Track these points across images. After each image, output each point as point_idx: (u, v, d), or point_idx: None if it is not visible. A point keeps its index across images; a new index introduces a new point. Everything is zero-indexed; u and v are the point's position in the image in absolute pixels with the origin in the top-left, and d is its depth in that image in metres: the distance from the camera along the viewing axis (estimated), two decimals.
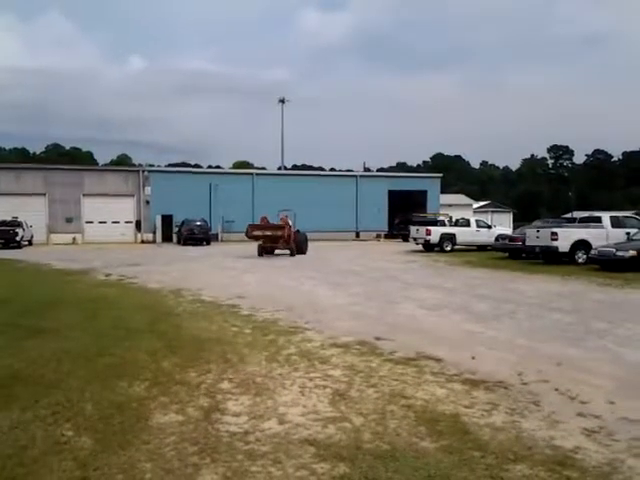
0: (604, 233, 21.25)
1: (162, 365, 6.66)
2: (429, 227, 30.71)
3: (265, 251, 25.96)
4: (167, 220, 40.91)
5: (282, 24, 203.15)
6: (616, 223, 22.09)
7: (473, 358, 7.08)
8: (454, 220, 34.01)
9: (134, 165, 73.21)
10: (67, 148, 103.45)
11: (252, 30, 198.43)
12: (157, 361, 6.81)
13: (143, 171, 43.97)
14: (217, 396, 5.55)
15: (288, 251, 26.05)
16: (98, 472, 3.89)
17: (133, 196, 42.28)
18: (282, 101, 64.49)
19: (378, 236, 45.89)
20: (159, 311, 10.64)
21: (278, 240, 26.02)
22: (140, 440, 4.44)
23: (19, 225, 34.20)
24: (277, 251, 26.35)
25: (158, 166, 52.13)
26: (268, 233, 26.51)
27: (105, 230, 40.94)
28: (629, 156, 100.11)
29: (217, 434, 4.58)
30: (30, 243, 35.55)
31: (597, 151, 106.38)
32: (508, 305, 11.57)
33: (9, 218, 34.86)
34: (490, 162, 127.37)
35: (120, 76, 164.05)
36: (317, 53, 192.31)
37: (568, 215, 42.36)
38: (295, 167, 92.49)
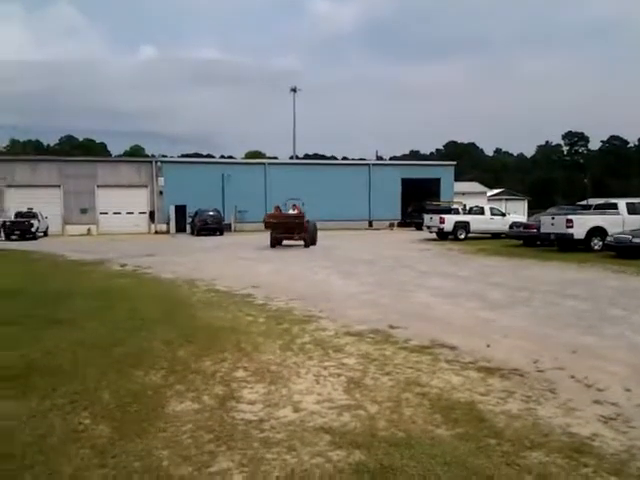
0: (620, 220, 21.01)
1: (178, 354, 6.70)
2: (443, 215, 30.53)
3: (278, 242, 25.35)
4: (181, 210, 41.04)
5: (291, 12, 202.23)
6: (632, 210, 21.80)
7: (488, 346, 7.05)
8: (468, 208, 33.80)
9: (147, 156, 73.49)
10: (80, 140, 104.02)
11: (262, 18, 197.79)
12: (173, 350, 6.86)
13: (156, 162, 44.18)
14: (232, 384, 5.58)
15: (301, 242, 25.28)
16: (116, 459, 3.93)
17: (147, 187, 42.49)
18: (294, 90, 64.43)
19: (391, 225, 45.75)
20: (174, 301, 10.70)
21: (294, 230, 25.13)
22: (156, 428, 4.48)
23: (34, 216, 34.55)
24: (289, 242, 25.50)
25: (171, 157, 52.22)
26: (285, 222, 25.63)
27: (119, 221, 41.25)
28: None
29: (232, 422, 4.61)
30: (45, 234, 35.89)
31: (613, 137, 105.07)
32: (523, 293, 11.50)
33: (25, 210, 35.22)
34: (504, 149, 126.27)
35: (131, 66, 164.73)
36: (327, 41, 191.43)
37: (583, 202, 41.92)
38: (307, 156, 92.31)
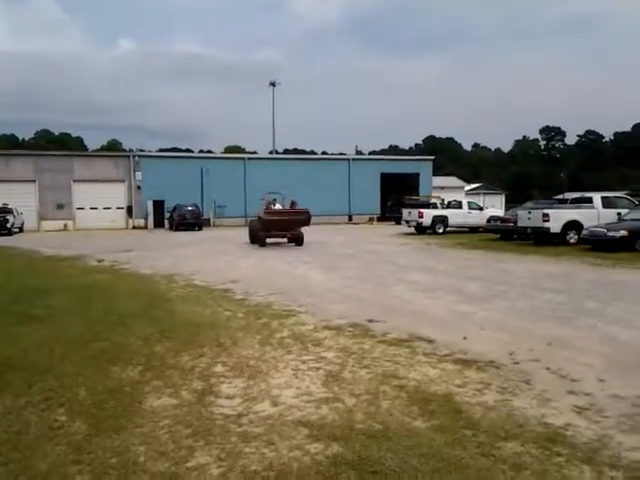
0: (595, 213, 21.33)
1: (155, 350, 6.66)
2: (421, 210, 30.78)
3: (259, 240, 22.58)
4: (159, 205, 40.75)
5: (273, 6, 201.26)
6: (607, 203, 22.17)
7: (465, 338, 7.13)
8: (446, 202, 34.08)
9: (124, 150, 72.69)
10: (56, 134, 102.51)
11: (242, 12, 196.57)
12: (150, 346, 6.81)
13: (134, 156, 43.71)
14: (211, 379, 5.56)
15: (288, 240, 23.20)
16: (92, 456, 3.90)
17: (124, 182, 42.05)
18: (273, 84, 64.00)
19: (371, 219, 45.95)
20: (152, 296, 10.62)
21: (291, 228, 22.66)
22: (133, 424, 4.45)
23: (10, 212, 34.00)
24: (275, 240, 23.15)
25: (149, 151, 51.82)
26: (286, 219, 22.79)
27: (96, 216, 40.78)
28: (620, 136, 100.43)
29: (211, 417, 4.60)
30: (21, 230, 35.36)
31: (589, 132, 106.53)
32: (500, 286, 11.62)
33: None
34: (482, 144, 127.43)
35: (109, 60, 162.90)
36: (308, 35, 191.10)
37: (560, 196, 42.46)
38: (287, 151, 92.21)
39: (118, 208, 41.92)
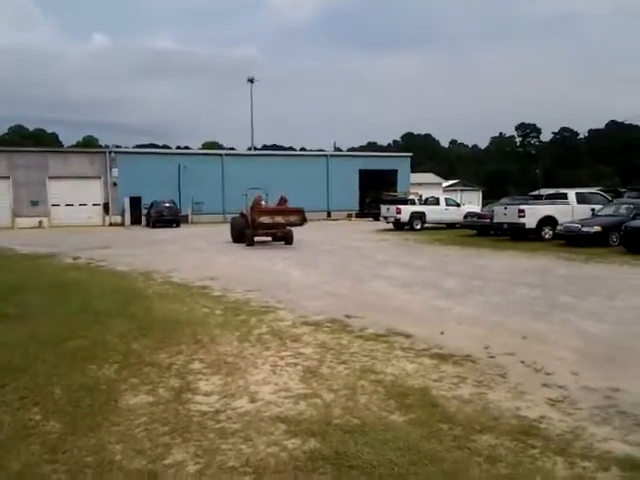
0: (570, 209, 21.66)
1: (132, 347, 6.61)
2: (399, 206, 30.98)
3: (247, 239, 20.96)
4: (135, 202, 40.30)
5: (250, 1, 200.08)
6: (581, 199, 22.54)
7: (442, 333, 7.20)
8: (424, 199, 34.31)
9: (100, 146, 71.69)
10: (31, 129, 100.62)
11: (219, 8, 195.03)
12: (127, 343, 6.76)
13: (110, 152, 43.12)
14: (188, 377, 5.54)
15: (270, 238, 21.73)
16: (67, 455, 3.87)
17: (100, 178, 41.49)
18: (251, 80, 63.61)
19: (349, 215, 46.00)
20: (129, 294, 10.53)
21: (283, 227, 21.09)
22: (110, 422, 4.42)
23: None
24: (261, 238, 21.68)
25: (125, 147, 51.17)
26: (280, 220, 20.91)
27: (72, 213, 40.18)
28: (594, 134, 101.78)
29: (188, 414, 4.59)
30: None
31: (564, 129, 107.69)
32: (476, 281, 11.75)
33: None
34: (459, 141, 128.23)
35: (85, 55, 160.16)
36: (285, 32, 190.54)
37: (535, 192, 42.94)
38: (265, 147, 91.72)
39: (94, 205, 41.36)
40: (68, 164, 40.99)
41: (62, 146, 78.63)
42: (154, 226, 35.56)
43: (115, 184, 41.36)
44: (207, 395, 5.03)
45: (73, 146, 78.12)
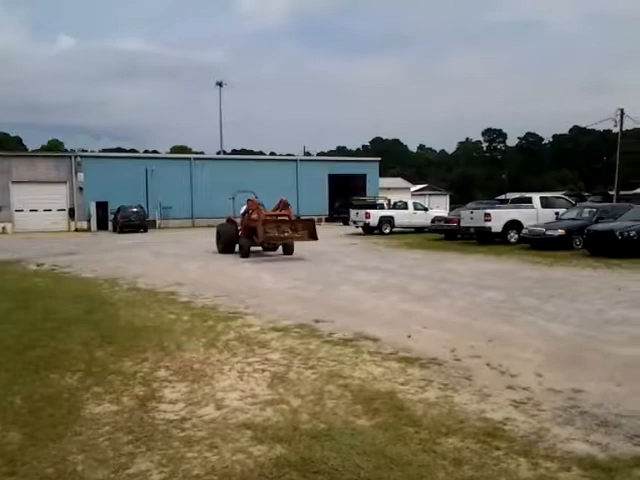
0: (535, 213, 22.05)
1: (96, 355, 6.49)
2: (368, 210, 31.20)
3: (242, 249, 18.53)
4: (102, 207, 39.74)
5: (220, 4, 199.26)
6: (546, 203, 22.98)
7: (409, 337, 7.24)
8: (392, 203, 34.60)
9: (66, 151, 70.50)
10: None
11: (188, 10, 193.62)
12: (91, 351, 6.64)
13: (75, 157, 42.43)
14: (153, 384, 5.46)
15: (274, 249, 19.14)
16: (26, 467, 3.77)
17: (65, 183, 40.78)
18: (220, 84, 63.63)
19: (319, 220, 45.98)
20: (93, 300, 10.34)
21: (291, 240, 18.26)
22: (72, 432, 4.33)
23: None
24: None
25: (92, 151, 50.48)
26: (287, 231, 17.82)
27: (37, 219, 39.40)
28: (558, 139, 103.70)
29: (153, 422, 4.52)
30: None
31: (529, 134, 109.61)
32: (444, 285, 11.86)
33: None
34: (427, 146, 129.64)
35: (51, 57, 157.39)
36: (254, 36, 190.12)
37: (501, 197, 43.67)
38: (235, 151, 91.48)
39: (59, 210, 40.62)
40: (32, 169, 40.20)
41: (26, 150, 77.11)
42: (121, 231, 35.11)
43: (81, 189, 40.70)
44: (173, 403, 4.97)
45: (38, 150, 76.65)
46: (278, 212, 19.10)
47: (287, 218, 18.52)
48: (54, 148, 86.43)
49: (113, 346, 6.87)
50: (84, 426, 4.44)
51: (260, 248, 18.97)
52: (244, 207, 19.99)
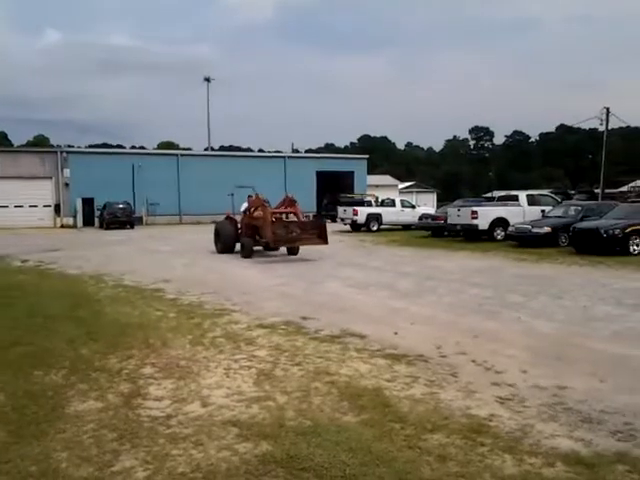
0: (521, 211, 22.18)
1: (81, 352, 6.45)
2: (356, 207, 31.25)
3: (245, 249, 17.47)
4: (88, 203, 39.33)
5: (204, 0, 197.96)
6: (532, 201, 23.12)
7: (395, 333, 7.26)
8: (380, 200, 34.66)
9: (52, 146, 69.82)
10: None
11: (173, 5, 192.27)
12: (76, 348, 6.59)
13: (61, 152, 42.01)
14: (139, 381, 5.44)
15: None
16: (10, 464, 3.74)
17: (51, 178, 40.35)
18: (207, 80, 63.03)
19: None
20: (79, 297, 10.27)
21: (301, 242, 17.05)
22: (56, 429, 4.30)
23: None
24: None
25: (78, 147, 50.00)
26: (297, 231, 16.74)
27: (22, 215, 38.92)
28: (545, 137, 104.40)
29: (138, 419, 4.50)
30: None
31: (516, 132, 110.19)
32: (430, 282, 11.91)
33: None
34: (415, 143, 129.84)
35: (35, 51, 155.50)
36: (241, 31, 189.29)
37: (488, 194, 43.90)
38: (222, 148, 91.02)
39: (45, 206, 40.18)
40: (17, 164, 39.71)
41: (11, 145, 76.34)
42: (108, 228, 34.85)
43: (67, 185, 40.29)
44: (158, 400, 4.94)
45: (23, 145, 75.94)
46: (283, 209, 18.17)
47: (295, 218, 17.51)
48: (40, 143, 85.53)
49: (98, 343, 6.82)
50: (68, 423, 4.41)
51: (261, 247, 18.15)
52: (245, 204, 19.25)
